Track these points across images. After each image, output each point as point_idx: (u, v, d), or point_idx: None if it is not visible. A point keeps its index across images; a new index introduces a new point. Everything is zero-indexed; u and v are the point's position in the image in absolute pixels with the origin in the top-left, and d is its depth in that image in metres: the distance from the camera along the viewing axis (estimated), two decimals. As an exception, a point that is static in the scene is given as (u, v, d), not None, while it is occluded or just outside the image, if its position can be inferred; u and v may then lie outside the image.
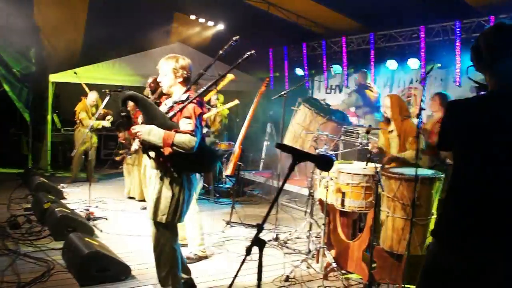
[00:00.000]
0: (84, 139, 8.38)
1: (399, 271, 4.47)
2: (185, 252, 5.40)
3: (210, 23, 11.87)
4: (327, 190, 5.03)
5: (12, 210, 7.07)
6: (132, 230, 6.43)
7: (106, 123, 9.22)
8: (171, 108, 3.86)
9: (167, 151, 3.63)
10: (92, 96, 9.31)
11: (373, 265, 4.72)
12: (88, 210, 6.77)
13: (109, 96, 6.68)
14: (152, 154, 3.89)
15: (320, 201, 5.38)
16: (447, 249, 2.29)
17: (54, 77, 10.60)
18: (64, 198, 8.03)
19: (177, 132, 3.67)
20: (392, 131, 5.42)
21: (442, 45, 8.34)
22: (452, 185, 2.37)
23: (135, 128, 3.75)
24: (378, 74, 9.94)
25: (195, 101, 3.81)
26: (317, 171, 5.45)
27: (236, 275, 2.28)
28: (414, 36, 8.77)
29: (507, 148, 2.17)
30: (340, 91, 11.07)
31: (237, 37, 3.98)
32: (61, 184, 9.05)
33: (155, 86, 7.28)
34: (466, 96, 2.70)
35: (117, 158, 8.54)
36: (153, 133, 3.65)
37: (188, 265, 5.02)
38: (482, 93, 2.43)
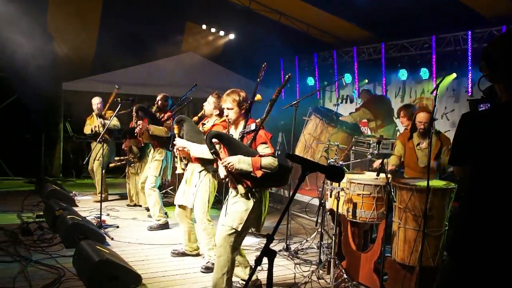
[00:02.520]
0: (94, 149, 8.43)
1: (411, 283, 4.44)
2: (201, 262, 5.43)
3: (221, 33, 11.93)
4: (338, 200, 5.01)
5: (24, 216, 7.12)
6: (143, 239, 6.45)
7: (93, 126, 8.99)
8: (243, 138, 4.27)
9: (259, 173, 4.04)
10: (95, 100, 9.16)
11: (385, 277, 4.70)
12: (99, 218, 6.79)
13: (120, 104, 6.72)
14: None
15: (331, 211, 5.37)
16: (461, 266, 2.22)
17: (67, 85, 10.70)
18: (76, 206, 8.07)
19: (261, 156, 4.08)
20: (419, 143, 5.45)
21: (454, 55, 8.31)
22: (468, 200, 2.28)
23: (225, 160, 4.07)
24: (389, 84, 9.92)
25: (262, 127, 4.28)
26: (328, 181, 5.43)
27: (246, 286, 2.27)
28: (426, 46, 8.75)
29: None
30: (351, 101, 11.06)
31: (289, 74, 4.49)
32: (74, 192, 9.10)
33: (163, 103, 7.38)
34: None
35: (111, 165, 8.57)
36: (242, 161, 4.03)
37: (204, 273, 5.20)
38: (482, 105, 2.36)
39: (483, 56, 2.30)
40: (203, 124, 5.53)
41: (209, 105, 5.48)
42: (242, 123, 4.38)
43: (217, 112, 5.43)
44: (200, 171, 5.34)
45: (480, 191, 2.23)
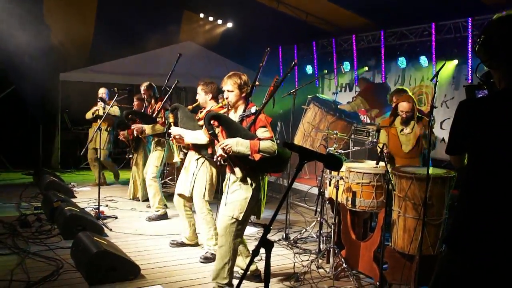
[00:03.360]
0: (93, 137, 8.41)
1: (411, 272, 4.42)
2: (201, 253, 5.41)
3: (219, 22, 11.85)
4: (337, 189, 4.97)
5: (22, 208, 7.09)
6: (141, 230, 6.42)
7: (97, 111, 8.97)
8: (242, 121, 4.24)
9: (257, 157, 4.01)
10: (100, 90, 9.19)
11: (385, 266, 4.68)
12: (97, 209, 6.77)
13: (117, 94, 6.69)
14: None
15: (331, 200, 5.34)
16: (459, 257, 2.15)
17: (64, 76, 10.64)
18: (74, 197, 8.04)
19: (259, 140, 4.05)
20: (402, 129, 5.41)
21: (454, 42, 8.24)
22: (466, 190, 2.21)
23: (223, 142, 4.05)
24: (388, 72, 9.86)
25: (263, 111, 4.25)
26: (327, 170, 5.40)
27: (243, 276, 2.24)
28: (425, 34, 8.67)
29: None
30: (350, 89, 11.00)
31: (295, 61, 4.60)
32: (72, 183, 9.08)
33: (149, 93, 7.37)
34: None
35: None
36: (240, 144, 4.01)
37: (204, 264, 5.19)
38: (480, 91, 2.27)
39: (481, 41, 2.20)
40: (201, 113, 5.50)
41: (200, 95, 5.47)
42: (242, 107, 4.36)
43: (210, 96, 5.44)
44: (197, 159, 5.31)
45: (478, 181, 2.15)
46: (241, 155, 4.04)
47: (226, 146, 4.02)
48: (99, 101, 8.83)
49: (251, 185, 4.20)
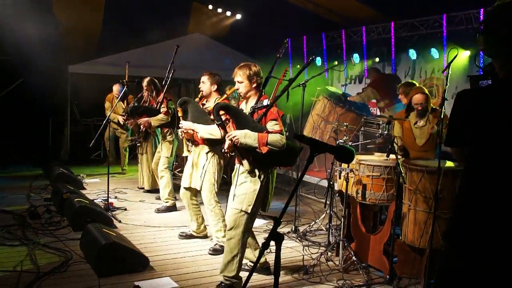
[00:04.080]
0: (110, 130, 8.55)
1: (421, 265, 4.38)
2: (210, 245, 5.40)
3: (228, 13, 11.79)
4: (347, 181, 4.94)
5: (32, 200, 7.12)
6: (151, 221, 6.43)
7: (121, 119, 9.22)
8: (254, 113, 4.21)
9: (264, 150, 3.97)
10: (115, 88, 9.35)
11: (394, 259, 4.64)
12: (107, 200, 6.78)
13: (125, 86, 6.70)
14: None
15: (340, 192, 5.30)
16: (458, 252, 2.09)
17: (73, 68, 10.65)
18: (84, 189, 8.07)
19: (268, 133, 4.01)
20: (416, 122, 5.35)
21: (466, 34, 8.13)
22: (466, 183, 2.13)
23: (231, 134, 4.04)
24: (399, 64, 9.77)
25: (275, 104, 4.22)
26: (337, 162, 5.36)
27: (253, 269, 2.22)
28: (436, 25, 8.56)
29: None
30: (360, 81, 10.92)
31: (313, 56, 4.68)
32: (81, 175, 9.10)
33: (151, 88, 7.39)
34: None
35: (125, 145, 8.64)
36: (248, 136, 3.98)
37: (213, 256, 5.19)
38: (484, 82, 2.19)
39: (482, 28, 2.10)
40: (203, 104, 5.48)
41: (204, 85, 5.45)
42: (254, 98, 4.33)
43: (215, 87, 5.42)
44: (207, 152, 5.29)
45: (476, 173, 2.08)
46: (249, 147, 4.02)
47: (234, 137, 4.00)
48: (122, 104, 9.19)
49: (260, 177, 4.18)
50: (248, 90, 4.31)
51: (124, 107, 9.16)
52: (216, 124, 4.24)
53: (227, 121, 4.30)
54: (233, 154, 4.28)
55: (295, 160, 4.36)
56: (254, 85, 4.29)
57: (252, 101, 4.33)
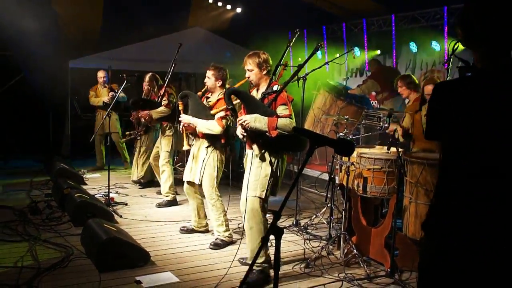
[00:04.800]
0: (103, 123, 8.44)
1: (422, 258, 4.36)
2: (211, 239, 5.40)
3: (228, 7, 11.73)
4: (348, 175, 4.92)
5: (33, 195, 7.12)
6: (152, 216, 6.43)
7: (106, 99, 9.12)
8: (264, 99, 4.28)
9: (274, 133, 4.06)
10: (100, 73, 9.30)
11: (396, 252, 4.64)
12: (108, 195, 6.77)
13: (125, 81, 6.69)
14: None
15: (341, 186, 5.29)
16: (435, 243, 2.07)
17: (73, 63, 10.62)
18: (85, 184, 8.06)
19: (278, 117, 4.09)
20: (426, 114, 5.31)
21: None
22: (441, 176, 2.10)
23: (241, 118, 4.14)
24: (400, 57, 9.73)
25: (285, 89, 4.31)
26: (338, 155, 5.35)
27: (253, 263, 2.20)
28: (437, 17, 8.51)
29: (506, 133, 1.91)
30: (361, 74, 10.88)
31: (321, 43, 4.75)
32: (82, 170, 9.10)
33: (152, 84, 7.39)
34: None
35: (122, 140, 8.62)
36: (258, 120, 4.08)
37: (214, 250, 5.20)
38: (469, 74, 2.16)
39: (458, 20, 2.07)
40: (207, 97, 5.46)
41: (210, 79, 5.41)
42: (264, 85, 4.43)
43: (220, 83, 5.38)
44: (207, 147, 5.28)
45: (454, 165, 2.04)
46: (259, 131, 4.10)
47: (244, 121, 4.11)
48: (103, 88, 9.01)
49: (270, 162, 4.27)
50: (258, 77, 4.42)
51: (108, 94, 9.12)
52: (227, 109, 4.33)
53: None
54: (244, 139, 4.36)
55: (305, 145, 4.40)
56: (264, 72, 4.40)
57: (263, 88, 4.42)
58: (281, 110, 4.17)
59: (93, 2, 10.61)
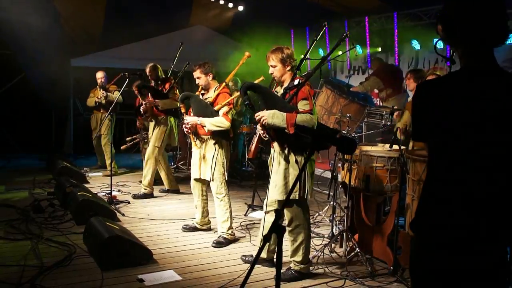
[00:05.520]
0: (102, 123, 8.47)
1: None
2: (213, 237, 5.39)
3: (230, 5, 11.72)
4: (350, 173, 4.91)
5: (35, 194, 7.13)
6: (154, 214, 6.43)
7: (98, 98, 9.00)
8: (286, 94, 4.15)
9: (291, 130, 3.91)
10: (99, 74, 9.23)
11: (398, 250, 4.63)
12: (110, 194, 6.78)
13: (127, 79, 6.68)
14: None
15: (344, 184, 5.28)
16: (421, 242, 2.06)
17: (75, 62, 10.63)
18: (87, 182, 8.07)
19: (298, 113, 3.95)
20: None
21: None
22: (428, 175, 2.08)
23: (258, 114, 4.02)
24: (402, 54, 9.71)
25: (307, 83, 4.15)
26: (340, 153, 5.33)
27: (255, 262, 2.19)
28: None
29: (490, 131, 1.90)
30: (363, 72, 10.86)
31: (347, 32, 4.55)
32: (85, 168, 9.11)
33: (155, 74, 7.33)
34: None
35: (123, 147, 8.54)
36: (276, 116, 3.95)
37: (216, 249, 5.18)
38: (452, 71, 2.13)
39: (439, 17, 2.06)
40: (202, 94, 5.48)
41: (200, 79, 5.40)
42: (288, 81, 4.29)
43: (211, 76, 5.39)
44: (214, 143, 5.28)
45: (440, 164, 2.02)
46: (277, 128, 4.00)
47: (261, 117, 3.99)
48: (101, 90, 8.88)
49: (296, 162, 4.14)
50: (282, 73, 4.27)
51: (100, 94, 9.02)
52: (244, 104, 4.20)
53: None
54: (266, 138, 4.29)
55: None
56: (288, 68, 4.25)
57: (286, 84, 4.29)
58: (302, 105, 4.03)
59: (95, 1, 10.60)
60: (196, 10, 11.99)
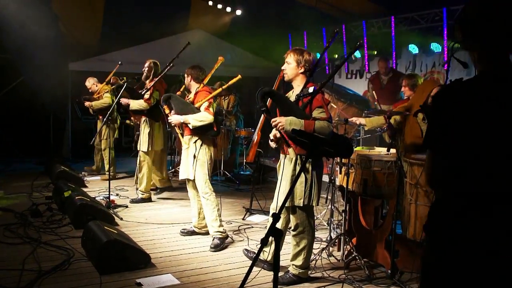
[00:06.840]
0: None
1: (423, 259, 4.37)
2: (207, 241, 5.40)
3: (228, 9, 11.76)
4: (348, 176, 4.93)
5: (33, 198, 7.13)
6: (152, 218, 6.44)
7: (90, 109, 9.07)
8: (299, 101, 4.14)
9: None
10: (89, 81, 9.27)
11: (396, 254, 4.64)
12: (108, 198, 6.78)
13: (125, 84, 6.70)
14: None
15: (341, 187, 5.29)
16: (434, 245, 2.06)
17: (73, 66, 10.64)
18: (85, 186, 8.07)
19: (315, 120, 3.97)
20: (424, 118, 5.30)
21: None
22: (447, 182, 2.05)
23: (275, 120, 4.00)
24: (399, 58, 9.74)
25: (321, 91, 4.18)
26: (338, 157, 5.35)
27: (252, 266, 2.21)
28: (437, 19, 8.52)
29: (508, 137, 1.88)
30: (361, 76, 10.89)
31: (361, 41, 4.45)
32: (83, 172, 9.11)
33: (156, 68, 7.34)
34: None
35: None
36: (294, 123, 3.91)
37: (213, 252, 5.20)
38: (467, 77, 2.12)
39: (456, 19, 2.02)
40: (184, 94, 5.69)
41: (186, 79, 5.66)
42: (300, 86, 4.29)
43: (190, 78, 5.58)
44: (195, 141, 5.33)
45: (449, 168, 2.01)
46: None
47: (278, 123, 3.98)
48: (86, 102, 9.06)
49: (305, 168, 4.16)
50: (293, 73, 4.29)
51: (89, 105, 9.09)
52: (261, 110, 4.17)
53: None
54: (277, 144, 4.31)
55: (351, 150, 4.33)
56: (301, 70, 4.27)
57: (297, 89, 4.31)
58: (317, 113, 4.05)
59: (94, 5, 10.63)
60: (194, 14, 12.04)
